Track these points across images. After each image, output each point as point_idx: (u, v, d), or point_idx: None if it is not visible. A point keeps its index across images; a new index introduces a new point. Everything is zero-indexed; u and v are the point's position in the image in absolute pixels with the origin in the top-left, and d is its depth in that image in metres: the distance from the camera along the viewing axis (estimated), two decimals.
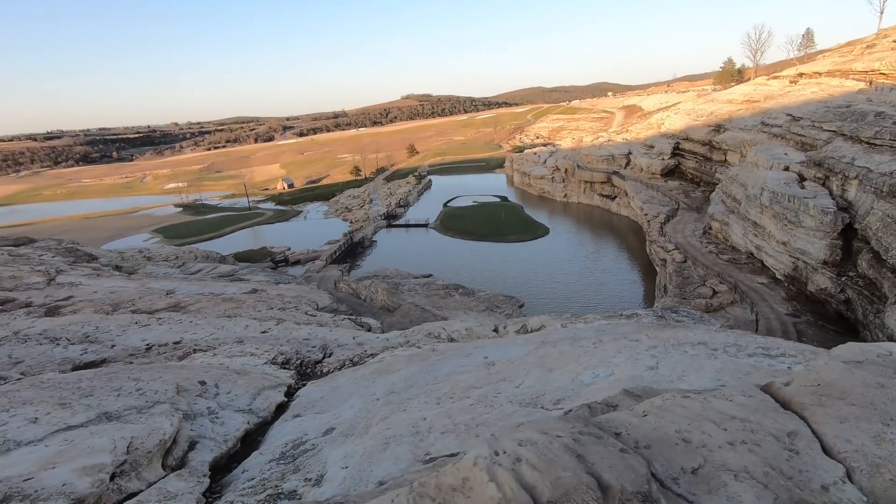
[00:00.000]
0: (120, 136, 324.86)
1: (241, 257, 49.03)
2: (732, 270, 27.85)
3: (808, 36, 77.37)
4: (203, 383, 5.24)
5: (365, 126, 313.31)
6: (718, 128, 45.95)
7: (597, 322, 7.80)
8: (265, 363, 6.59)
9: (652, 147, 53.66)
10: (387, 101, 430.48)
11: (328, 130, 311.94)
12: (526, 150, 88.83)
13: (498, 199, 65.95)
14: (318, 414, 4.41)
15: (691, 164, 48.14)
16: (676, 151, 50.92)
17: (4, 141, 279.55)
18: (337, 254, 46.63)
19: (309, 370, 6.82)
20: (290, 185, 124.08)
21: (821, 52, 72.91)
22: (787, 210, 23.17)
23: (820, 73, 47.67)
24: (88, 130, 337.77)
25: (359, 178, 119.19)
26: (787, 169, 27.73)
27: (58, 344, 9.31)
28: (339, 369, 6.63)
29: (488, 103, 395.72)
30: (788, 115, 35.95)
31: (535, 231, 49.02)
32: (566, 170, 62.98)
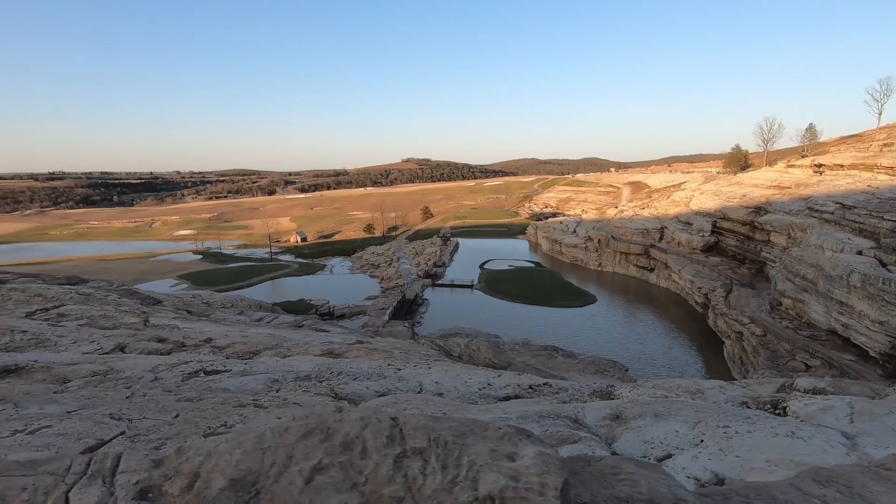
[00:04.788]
0: (121, 181, 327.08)
1: (286, 308, 48.82)
2: (816, 346, 29.04)
3: (811, 130, 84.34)
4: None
5: (366, 185, 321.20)
6: (759, 210, 48.97)
7: None
8: None
9: (690, 224, 56.54)
10: (387, 163, 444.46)
11: (329, 188, 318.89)
12: (549, 220, 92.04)
13: (532, 265, 67.68)
14: None
15: (732, 243, 50.73)
16: (714, 229, 53.74)
17: (5, 179, 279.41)
18: (390, 309, 46.97)
19: None
20: (304, 239, 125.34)
21: (822, 143, 79.45)
22: (883, 292, 24.86)
23: (843, 166, 51.72)
24: (91, 173, 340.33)
25: (373, 235, 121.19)
26: (860, 253, 29.83)
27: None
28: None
29: (485, 171, 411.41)
30: (838, 203, 38.85)
31: (584, 298, 50.23)
32: (599, 240, 65.41)
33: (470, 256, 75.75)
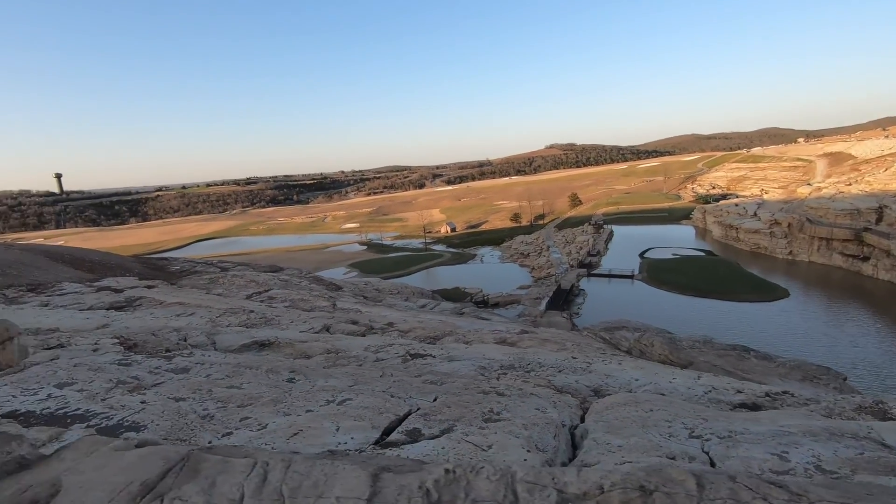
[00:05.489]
0: (299, 182, 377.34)
1: (443, 295, 51.03)
2: None
3: None
4: None
5: (509, 175, 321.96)
6: None
7: None
8: None
9: None
10: (530, 151, 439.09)
11: (473, 178, 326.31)
12: (721, 202, 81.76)
13: (703, 254, 60.79)
14: None
15: None
16: None
17: (218, 185, 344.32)
18: (546, 300, 46.40)
19: None
20: (453, 229, 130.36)
21: None
22: None
23: None
24: (276, 177, 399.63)
25: (520, 224, 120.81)
26: None
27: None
28: None
29: (637, 152, 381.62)
30: None
31: (772, 291, 43.51)
32: (790, 224, 55.89)
33: (627, 244, 70.96)
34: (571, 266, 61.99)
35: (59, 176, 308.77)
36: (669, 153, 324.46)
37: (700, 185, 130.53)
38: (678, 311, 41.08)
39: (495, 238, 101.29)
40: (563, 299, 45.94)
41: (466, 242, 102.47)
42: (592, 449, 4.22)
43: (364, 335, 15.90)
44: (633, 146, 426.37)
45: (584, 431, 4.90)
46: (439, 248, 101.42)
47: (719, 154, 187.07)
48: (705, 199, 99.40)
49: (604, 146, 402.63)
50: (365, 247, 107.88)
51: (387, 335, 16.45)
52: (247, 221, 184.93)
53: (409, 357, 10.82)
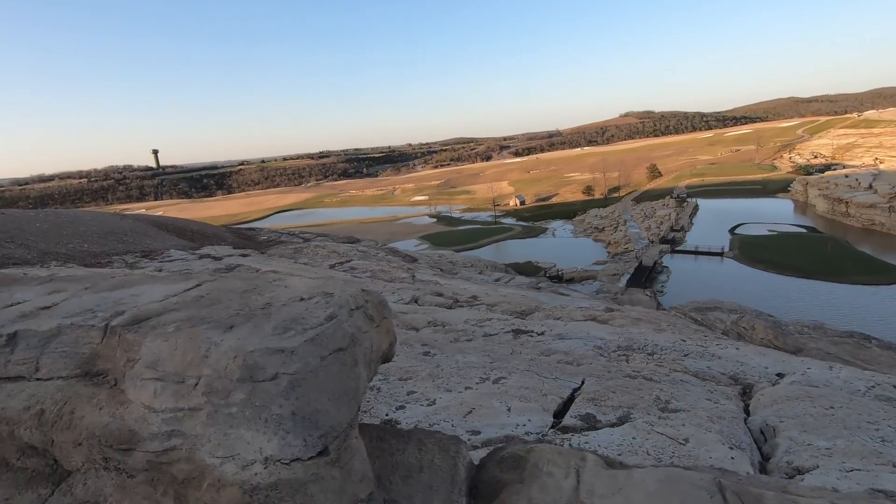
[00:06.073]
0: (368, 156, 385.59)
1: (516, 269, 50.03)
2: None
3: None
4: None
5: (580, 145, 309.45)
6: None
7: None
8: None
9: None
10: (603, 120, 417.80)
11: (542, 150, 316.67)
12: (827, 173, 73.77)
13: (804, 230, 55.37)
14: None
15: None
16: None
17: (293, 159, 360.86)
18: (626, 276, 44.57)
19: None
20: (522, 202, 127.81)
21: None
22: None
23: None
24: (347, 150, 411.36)
25: (593, 197, 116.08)
26: None
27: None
28: None
29: (723, 118, 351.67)
30: None
31: (888, 273, 38.84)
32: None
33: (714, 219, 66.12)
34: (652, 242, 58.87)
35: (156, 152, 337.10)
36: (761, 119, 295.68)
37: (800, 154, 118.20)
38: (777, 292, 37.83)
39: (567, 211, 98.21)
40: (646, 276, 43.82)
41: (537, 216, 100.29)
42: (796, 450, 3.74)
43: (452, 308, 15.86)
44: (718, 112, 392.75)
45: (767, 428, 4.39)
46: (508, 221, 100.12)
47: (823, 119, 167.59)
48: (806, 170, 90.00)
49: (685, 113, 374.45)
50: (434, 219, 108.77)
51: (475, 308, 16.29)
52: (321, 194, 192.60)
53: (514, 333, 10.58)
